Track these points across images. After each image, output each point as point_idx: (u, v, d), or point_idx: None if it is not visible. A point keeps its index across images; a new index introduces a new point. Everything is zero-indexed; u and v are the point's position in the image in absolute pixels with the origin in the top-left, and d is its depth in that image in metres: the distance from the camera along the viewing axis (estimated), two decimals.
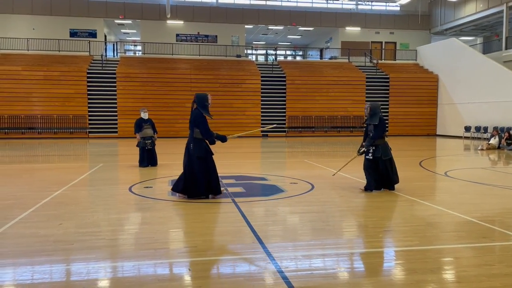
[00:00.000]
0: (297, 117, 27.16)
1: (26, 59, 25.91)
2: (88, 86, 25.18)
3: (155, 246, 4.67)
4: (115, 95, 25.27)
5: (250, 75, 27.16)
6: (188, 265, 4.09)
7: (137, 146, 11.29)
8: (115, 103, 25.23)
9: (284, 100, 27.38)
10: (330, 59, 32.87)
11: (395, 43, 33.54)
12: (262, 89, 27.03)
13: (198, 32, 30.95)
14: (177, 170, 10.64)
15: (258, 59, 34.69)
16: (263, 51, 37.01)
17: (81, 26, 28.91)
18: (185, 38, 30.83)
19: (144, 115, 11.30)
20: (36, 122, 24.39)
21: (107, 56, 28.38)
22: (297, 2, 32.43)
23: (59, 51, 27.14)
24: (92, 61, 26.79)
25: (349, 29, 32.57)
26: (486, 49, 31.18)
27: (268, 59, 31.16)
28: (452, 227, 5.48)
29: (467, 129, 25.13)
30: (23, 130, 24.22)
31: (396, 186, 7.86)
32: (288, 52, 42.73)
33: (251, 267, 4.05)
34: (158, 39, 29.30)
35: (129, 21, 30.84)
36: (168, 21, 29.92)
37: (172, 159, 13.00)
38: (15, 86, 24.23)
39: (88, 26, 29.00)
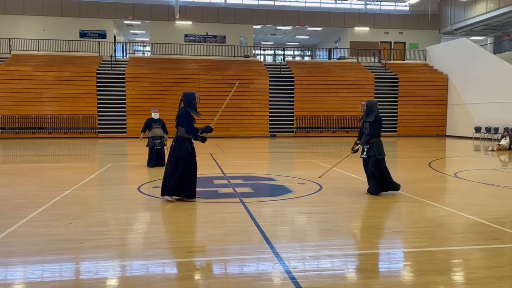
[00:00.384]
0: (305, 117, 27.11)
1: (36, 59, 26.18)
2: (98, 86, 25.37)
3: (164, 246, 4.70)
4: (124, 95, 25.43)
5: (258, 76, 27.17)
6: (197, 264, 4.10)
7: (147, 146, 11.36)
8: (124, 103, 25.39)
9: (292, 101, 27.35)
10: (338, 59, 32.76)
11: (404, 43, 33.33)
12: (270, 89, 27.02)
13: (207, 33, 31.03)
14: None
15: (266, 59, 34.69)
16: (271, 52, 36.99)
17: (91, 27, 29.13)
18: (194, 38, 30.93)
19: (155, 115, 11.37)
20: (46, 122, 24.63)
21: (117, 57, 28.56)
22: (305, 2, 32.37)
23: (69, 51, 27.38)
24: (102, 62, 26.99)
25: (357, 29, 32.44)
26: (497, 49, 30.86)
27: (276, 60, 31.15)
28: (462, 229, 5.44)
29: (477, 129, 24.90)
30: (33, 130, 24.47)
31: (405, 187, 7.80)
32: (297, 52, 42.67)
33: (259, 267, 4.05)
34: (167, 40, 29.43)
35: (138, 22, 31.02)
36: (177, 22, 30.04)
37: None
38: (26, 86, 24.49)
39: (98, 27, 29.22)
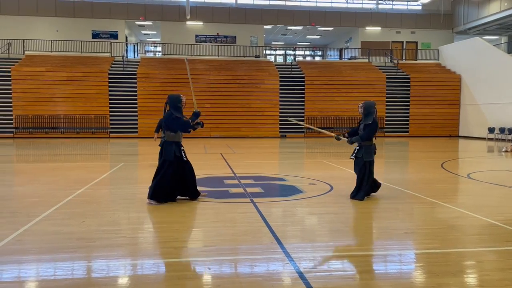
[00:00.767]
0: (315, 117, 27.01)
1: (50, 60, 26.49)
2: (110, 86, 25.58)
3: (175, 245, 4.72)
4: (135, 95, 25.61)
5: (268, 76, 27.16)
6: (207, 264, 4.11)
7: (159, 145, 11.39)
8: (136, 103, 25.57)
9: (303, 101, 27.28)
10: (349, 59, 32.60)
11: (416, 42, 33.03)
12: (280, 89, 26.99)
13: (217, 33, 31.10)
14: (196, 170, 10.70)
15: (277, 59, 34.65)
16: (282, 52, 36.94)
17: (103, 27, 29.39)
18: (204, 39, 31.02)
19: None
20: (59, 122, 24.91)
21: (128, 57, 28.78)
22: (316, 2, 32.26)
23: (81, 52, 27.66)
24: (114, 62, 27.21)
25: (369, 28, 32.23)
26: (511, 49, 30.40)
27: (287, 60, 31.09)
28: (475, 230, 5.37)
29: (491, 130, 24.57)
30: (46, 130, 24.77)
31: (417, 187, 7.73)
32: (307, 52, 42.53)
33: (269, 267, 4.05)
34: (178, 40, 29.57)
35: (150, 23, 31.21)
36: (188, 22, 30.17)
37: (191, 159, 13.07)
38: (39, 86, 24.80)
39: (110, 27, 29.47)
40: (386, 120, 27.69)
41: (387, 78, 28.05)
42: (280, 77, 27.20)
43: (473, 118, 26.85)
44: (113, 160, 14.18)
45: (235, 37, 31.16)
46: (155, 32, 34.24)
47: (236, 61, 28.74)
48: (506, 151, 16.99)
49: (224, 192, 7.79)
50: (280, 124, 26.76)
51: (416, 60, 31.75)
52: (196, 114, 6.85)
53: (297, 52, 36.18)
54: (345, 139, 7.25)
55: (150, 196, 6.61)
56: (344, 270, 3.98)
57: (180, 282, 3.67)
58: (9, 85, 24.56)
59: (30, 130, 24.60)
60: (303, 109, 27.27)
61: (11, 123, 24.51)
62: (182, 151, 6.78)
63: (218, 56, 29.22)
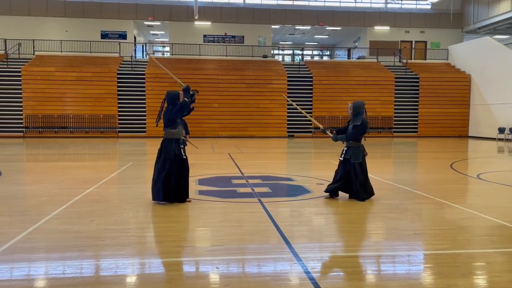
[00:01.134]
0: (323, 117, 26.92)
1: (59, 60, 26.72)
2: (118, 86, 25.73)
3: (183, 244, 4.74)
4: (144, 95, 25.73)
5: (276, 75, 27.14)
6: (215, 263, 4.12)
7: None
8: (144, 103, 25.69)
9: (311, 101, 27.21)
10: (358, 59, 32.45)
11: (425, 42, 32.80)
12: (288, 89, 26.94)
13: (225, 33, 31.14)
14: (204, 169, 10.77)
15: (285, 59, 34.61)
16: (290, 51, 36.89)
17: (112, 28, 29.58)
18: (212, 38, 31.09)
19: None
20: (68, 121, 25.11)
21: (137, 57, 28.92)
22: (324, 1, 32.17)
23: (90, 52, 27.85)
24: (122, 62, 27.37)
25: (377, 28, 32.07)
26: None
27: (295, 59, 31.04)
28: (484, 231, 5.32)
29: (501, 130, 24.32)
30: (56, 129, 24.98)
31: (426, 188, 7.68)
32: (315, 52, 42.43)
33: (277, 267, 4.05)
34: (186, 40, 29.66)
35: (158, 23, 31.35)
36: (196, 22, 30.25)
37: (198, 159, 13.14)
38: (49, 86, 25.02)
39: (119, 27, 29.65)
40: (395, 120, 27.54)
41: (396, 78, 27.89)
42: (288, 77, 27.16)
43: (483, 118, 26.60)
44: (122, 159, 14.26)
45: (243, 37, 31.19)
46: (163, 32, 34.38)
47: (244, 61, 28.75)
48: None
49: (232, 191, 7.80)
50: (288, 124, 26.73)
51: (425, 59, 31.53)
52: (187, 90, 6.63)
53: (305, 52, 36.08)
54: (331, 135, 7.19)
55: (161, 197, 6.48)
56: (352, 270, 3.96)
57: (188, 281, 3.68)
58: (19, 85, 24.81)
59: (40, 129, 24.83)
60: (311, 109, 27.20)
61: (21, 123, 24.76)
62: (182, 149, 6.65)
63: (226, 56, 29.26)
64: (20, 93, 24.82)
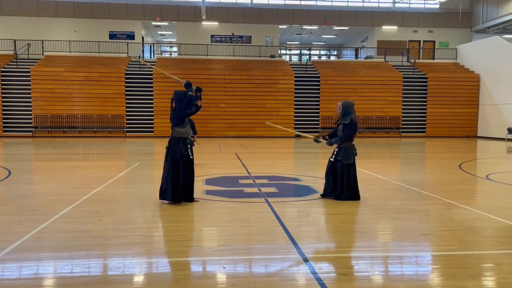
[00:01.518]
0: (331, 117, 26.82)
1: (68, 60, 26.92)
2: (126, 86, 25.86)
3: (190, 244, 4.75)
4: (151, 95, 25.83)
5: (283, 75, 27.11)
6: (222, 263, 4.12)
7: None
8: (152, 103, 25.80)
9: (318, 101, 27.15)
10: (365, 58, 32.32)
11: (434, 41, 32.58)
12: (295, 89, 26.91)
13: (233, 33, 31.17)
14: (211, 169, 10.79)
15: (292, 59, 34.56)
16: (297, 51, 36.83)
17: (120, 28, 29.74)
18: (220, 39, 31.13)
19: None
20: (77, 121, 25.29)
21: (144, 57, 29.06)
22: (332, 1, 32.07)
23: (99, 52, 28.02)
24: (130, 62, 27.50)
25: (385, 28, 31.91)
26: None
27: (302, 59, 30.99)
28: (493, 232, 5.28)
29: (510, 130, 24.07)
30: (64, 129, 25.17)
31: (434, 188, 7.62)
32: (322, 52, 42.32)
33: (284, 267, 4.05)
34: (193, 40, 29.73)
35: (166, 23, 31.46)
36: (203, 23, 30.31)
37: (206, 159, 13.18)
38: (57, 86, 25.21)
39: (127, 28, 29.81)
40: (403, 120, 27.39)
41: (404, 77, 27.73)
42: (295, 77, 27.12)
43: (492, 118, 26.36)
44: (129, 159, 14.34)
45: (250, 37, 31.20)
46: (171, 33, 34.50)
47: (251, 61, 28.76)
48: None
49: (238, 191, 7.81)
50: (295, 124, 26.69)
51: (434, 59, 31.31)
52: (188, 84, 6.56)
53: (312, 52, 36.01)
54: (324, 141, 7.16)
55: (170, 197, 6.48)
56: (359, 271, 3.95)
57: (195, 281, 3.69)
58: (29, 85, 25.04)
59: (49, 129, 25.03)
60: (318, 109, 27.15)
61: (31, 123, 24.98)
62: (189, 149, 6.61)
63: (233, 56, 29.28)
64: (29, 93, 25.05)
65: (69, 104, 25.31)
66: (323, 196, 7.12)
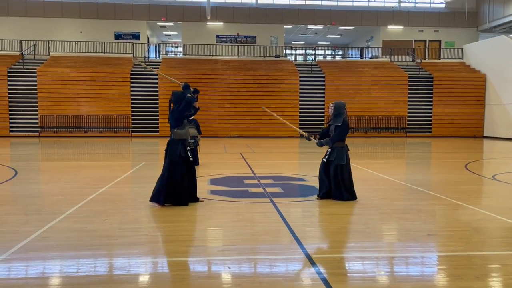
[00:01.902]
0: None
1: (74, 61, 27.05)
2: (132, 86, 25.96)
3: (195, 244, 4.76)
4: (157, 95, 25.91)
5: (288, 75, 27.09)
6: (227, 263, 4.13)
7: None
8: (157, 103, 25.87)
9: (323, 101, 27.09)
10: (371, 58, 32.22)
11: (440, 41, 32.42)
12: (300, 89, 26.88)
13: (238, 33, 31.19)
14: (216, 169, 10.80)
15: (297, 59, 34.52)
16: (302, 51, 36.79)
17: (126, 28, 29.85)
18: (225, 39, 31.16)
19: None
20: (82, 121, 25.41)
21: (150, 58, 29.14)
22: (337, 1, 32.00)
23: (104, 53, 28.14)
24: (134, 65, 27.59)
25: (391, 27, 31.80)
26: None
27: (307, 59, 30.94)
28: (500, 233, 5.24)
29: None
30: (70, 129, 25.30)
31: (440, 189, 7.58)
32: (328, 52, 42.24)
33: (289, 267, 4.04)
34: (199, 41, 29.78)
35: (171, 23, 31.54)
36: (208, 23, 30.35)
37: (211, 159, 13.19)
38: (63, 87, 25.35)
39: (132, 28, 29.91)
40: (408, 120, 27.28)
41: (410, 77, 27.62)
42: (300, 77, 27.10)
43: (499, 118, 26.19)
44: (135, 159, 14.38)
45: (255, 37, 31.20)
46: (176, 33, 34.58)
47: (256, 61, 28.76)
48: None
49: (243, 191, 7.81)
50: (300, 124, 26.62)
51: (440, 59, 31.16)
52: (186, 86, 6.47)
53: (318, 52, 35.95)
54: (315, 141, 7.12)
55: (162, 201, 6.31)
56: (364, 271, 3.93)
57: (200, 280, 3.69)
58: (35, 85, 25.20)
59: (55, 129, 25.17)
60: (323, 109, 27.08)
61: (37, 123, 25.14)
62: (188, 151, 6.52)
63: (238, 56, 29.30)
64: (36, 94, 25.20)
65: (75, 104, 25.43)
66: (319, 197, 7.05)
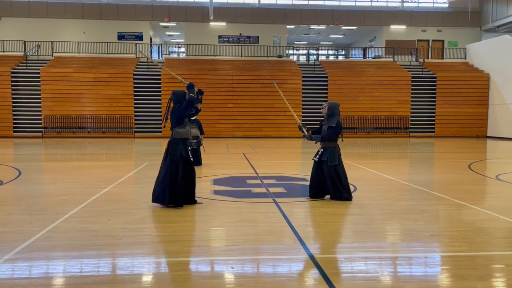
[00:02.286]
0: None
1: (77, 61, 27.13)
2: (135, 87, 26.00)
3: (198, 244, 4.77)
4: (159, 95, 25.94)
5: (291, 76, 27.08)
6: (230, 263, 4.13)
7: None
8: (160, 103, 25.90)
9: (326, 101, 27.03)
10: (373, 58, 32.17)
11: (443, 41, 32.34)
12: (303, 89, 26.87)
13: (240, 33, 31.20)
14: (219, 169, 10.81)
15: (300, 59, 34.51)
16: (305, 51, 36.78)
17: (128, 29, 29.91)
18: (227, 39, 31.18)
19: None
20: (86, 122, 25.48)
21: (153, 58, 29.18)
22: (340, 1, 31.97)
23: (107, 53, 28.20)
24: (138, 63, 27.64)
25: (394, 27, 31.74)
26: None
27: (310, 59, 30.92)
28: (503, 233, 5.23)
29: None
30: (74, 130, 25.38)
31: (443, 189, 7.56)
32: (330, 52, 42.20)
33: (292, 267, 4.05)
34: (201, 41, 29.81)
35: (174, 24, 31.58)
36: (211, 23, 30.38)
37: (214, 159, 13.20)
38: (67, 87, 25.42)
39: (135, 29, 29.97)
40: (411, 120, 27.23)
41: (413, 77, 27.56)
42: (303, 77, 27.08)
43: (502, 118, 26.11)
44: (138, 159, 14.41)
45: (257, 37, 31.21)
46: (179, 33, 34.63)
47: (259, 61, 28.77)
48: None
49: (246, 191, 7.82)
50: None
51: (443, 58, 31.09)
52: (190, 86, 6.40)
53: (320, 52, 35.93)
54: (306, 133, 7.08)
55: (167, 201, 6.27)
56: (367, 271, 3.93)
57: (203, 280, 3.70)
58: (38, 86, 25.28)
59: (58, 129, 25.25)
60: None
61: (40, 123, 25.22)
62: (189, 151, 6.47)
63: (241, 56, 29.31)
64: (39, 94, 25.29)
65: (78, 105, 25.50)
66: (311, 196, 7.01)
